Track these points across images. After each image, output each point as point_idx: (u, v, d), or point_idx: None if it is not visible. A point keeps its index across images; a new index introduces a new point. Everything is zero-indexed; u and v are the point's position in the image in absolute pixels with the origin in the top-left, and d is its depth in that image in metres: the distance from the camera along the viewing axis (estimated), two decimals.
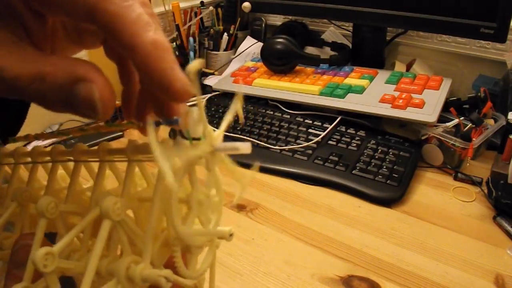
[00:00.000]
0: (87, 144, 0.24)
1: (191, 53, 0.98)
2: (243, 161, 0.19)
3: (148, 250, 0.19)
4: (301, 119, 0.79)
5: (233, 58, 1.08)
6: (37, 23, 0.20)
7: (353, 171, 0.67)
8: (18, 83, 0.18)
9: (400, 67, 0.93)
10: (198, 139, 0.19)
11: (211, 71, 1.07)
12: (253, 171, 0.20)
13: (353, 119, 0.78)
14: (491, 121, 0.72)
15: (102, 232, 0.18)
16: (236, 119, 0.20)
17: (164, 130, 0.20)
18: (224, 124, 0.20)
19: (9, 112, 0.27)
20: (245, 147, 0.19)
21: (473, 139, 0.67)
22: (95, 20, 0.18)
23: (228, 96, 0.89)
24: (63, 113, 0.19)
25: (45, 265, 0.18)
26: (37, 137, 0.25)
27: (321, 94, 0.80)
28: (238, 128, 0.79)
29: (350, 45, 0.96)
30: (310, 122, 0.78)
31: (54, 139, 0.80)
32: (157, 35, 0.18)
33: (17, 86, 0.18)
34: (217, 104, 0.87)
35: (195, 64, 0.18)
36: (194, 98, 0.19)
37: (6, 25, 0.19)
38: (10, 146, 0.25)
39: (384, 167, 0.67)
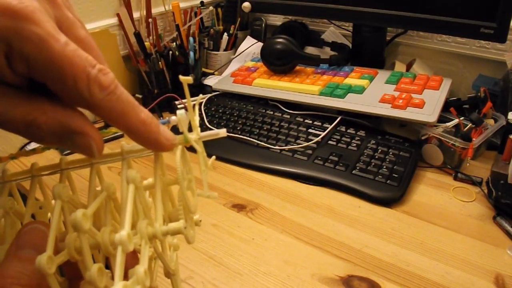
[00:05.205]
0: None
1: (191, 53, 0.98)
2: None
3: (160, 214, 0.23)
4: (301, 119, 0.79)
5: (233, 58, 1.08)
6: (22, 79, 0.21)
7: (353, 171, 0.67)
8: (13, 126, 0.20)
9: (400, 67, 0.93)
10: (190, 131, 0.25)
11: (211, 71, 1.07)
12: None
13: (353, 119, 0.78)
14: (491, 121, 0.72)
15: (130, 195, 0.22)
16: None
17: None
18: (196, 121, 0.25)
19: None
20: (223, 132, 0.25)
21: (473, 139, 0.67)
22: (89, 109, 0.20)
23: (228, 96, 0.89)
24: None
25: (84, 224, 0.20)
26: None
27: (321, 94, 0.80)
28: (239, 128, 0.79)
29: (350, 45, 0.96)
30: (310, 122, 0.78)
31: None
32: (143, 114, 0.22)
33: (13, 128, 0.20)
34: (217, 104, 0.87)
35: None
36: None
37: None
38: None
39: (384, 167, 0.67)
